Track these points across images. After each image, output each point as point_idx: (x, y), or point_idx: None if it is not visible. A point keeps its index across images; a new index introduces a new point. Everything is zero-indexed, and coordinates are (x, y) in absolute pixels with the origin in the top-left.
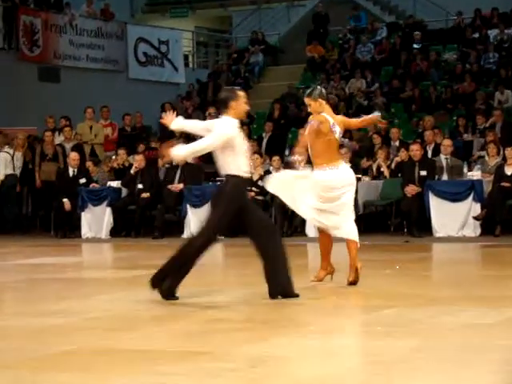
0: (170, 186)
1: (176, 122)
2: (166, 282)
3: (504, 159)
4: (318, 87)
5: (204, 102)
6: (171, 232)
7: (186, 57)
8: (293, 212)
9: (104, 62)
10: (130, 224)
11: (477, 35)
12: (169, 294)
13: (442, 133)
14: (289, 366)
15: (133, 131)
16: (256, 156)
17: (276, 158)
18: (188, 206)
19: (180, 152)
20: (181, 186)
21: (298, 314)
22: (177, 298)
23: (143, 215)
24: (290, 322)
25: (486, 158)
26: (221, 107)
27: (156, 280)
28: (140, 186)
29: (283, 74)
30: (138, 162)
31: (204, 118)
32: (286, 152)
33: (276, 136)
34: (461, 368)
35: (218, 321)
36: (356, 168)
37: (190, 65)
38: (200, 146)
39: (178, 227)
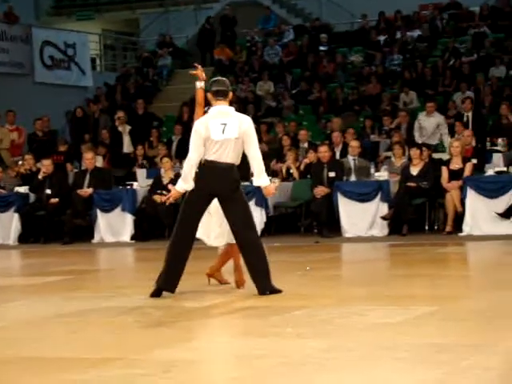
0: (79, 191)
1: (180, 186)
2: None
3: (409, 159)
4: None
5: (112, 105)
6: (81, 237)
7: (93, 60)
8: None
9: (9, 65)
10: (38, 230)
11: (382, 38)
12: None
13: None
14: (200, 370)
15: (44, 136)
16: (166, 159)
17: None
18: (98, 210)
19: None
20: (90, 190)
21: (209, 318)
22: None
23: (52, 221)
24: (200, 325)
25: (393, 158)
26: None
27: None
28: (48, 191)
29: (192, 76)
30: (45, 166)
31: (112, 122)
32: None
33: (186, 139)
34: (371, 367)
35: (129, 325)
36: (266, 170)
37: (98, 68)
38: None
39: (87, 232)
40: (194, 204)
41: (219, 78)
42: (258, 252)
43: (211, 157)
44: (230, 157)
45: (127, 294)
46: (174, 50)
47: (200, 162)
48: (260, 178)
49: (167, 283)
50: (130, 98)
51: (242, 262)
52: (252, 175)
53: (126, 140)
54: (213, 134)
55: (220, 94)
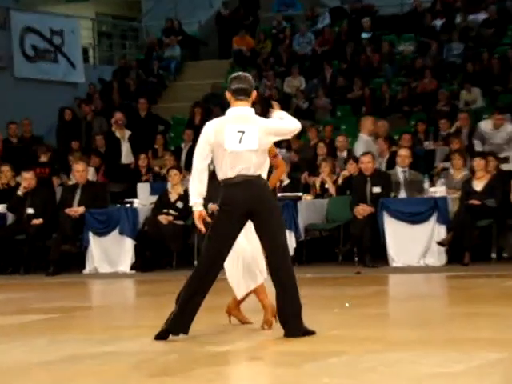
0: (67, 210)
1: (193, 201)
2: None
3: (472, 172)
4: None
5: (109, 105)
6: (70, 267)
7: (85, 51)
8: None
9: None
10: (17, 258)
11: (438, 22)
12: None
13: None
14: None
15: (20, 143)
16: (174, 171)
17: None
18: (90, 234)
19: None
20: (81, 209)
21: (228, 365)
22: None
23: (34, 246)
24: (218, 375)
25: (451, 170)
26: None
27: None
28: (30, 210)
29: (206, 70)
30: (27, 180)
31: (109, 126)
32: (211, 166)
33: None
34: None
35: (127, 375)
36: (295, 184)
37: (91, 60)
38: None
39: (78, 261)
40: (223, 228)
41: (240, 73)
42: (293, 287)
43: (225, 173)
44: (254, 169)
45: (126, 336)
46: (183, 38)
47: (221, 180)
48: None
49: (178, 324)
50: (130, 96)
51: (268, 299)
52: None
53: (125, 148)
54: (227, 143)
55: (241, 93)
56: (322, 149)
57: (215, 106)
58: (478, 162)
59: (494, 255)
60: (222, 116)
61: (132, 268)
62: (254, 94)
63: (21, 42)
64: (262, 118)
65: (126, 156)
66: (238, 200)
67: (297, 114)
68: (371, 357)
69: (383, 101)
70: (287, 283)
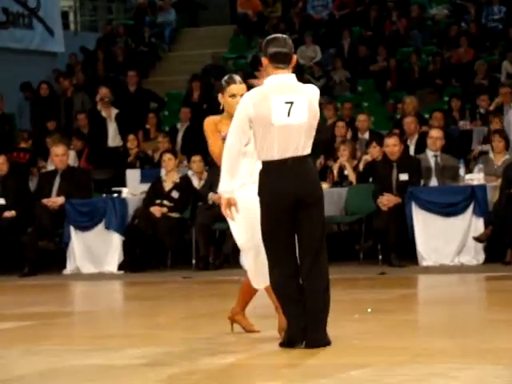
0: (44, 201)
1: (223, 189)
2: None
3: None
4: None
5: (92, 79)
6: (48, 267)
7: (65, 15)
8: (222, 235)
9: None
10: None
11: None
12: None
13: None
14: None
15: None
16: (168, 156)
17: (197, 159)
18: (72, 228)
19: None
20: (61, 200)
21: (230, 380)
22: None
23: (7, 243)
24: None
25: (491, 154)
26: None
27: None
28: (1, 200)
29: (205, 38)
30: None
31: (92, 103)
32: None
33: (196, 127)
34: None
35: None
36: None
37: (72, 26)
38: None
39: (57, 259)
40: (276, 221)
41: (278, 35)
42: (325, 290)
43: (275, 153)
44: (303, 148)
45: (113, 346)
46: (179, 0)
47: (264, 162)
48: None
49: (294, 335)
50: (118, 69)
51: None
52: None
53: (112, 129)
54: (275, 116)
55: (281, 59)
56: (340, 129)
57: (216, 80)
58: None
59: None
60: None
61: (120, 268)
62: (295, 59)
63: None
64: (309, 87)
65: (113, 138)
66: (287, 188)
67: None
68: (398, 370)
69: (412, 73)
70: (317, 286)
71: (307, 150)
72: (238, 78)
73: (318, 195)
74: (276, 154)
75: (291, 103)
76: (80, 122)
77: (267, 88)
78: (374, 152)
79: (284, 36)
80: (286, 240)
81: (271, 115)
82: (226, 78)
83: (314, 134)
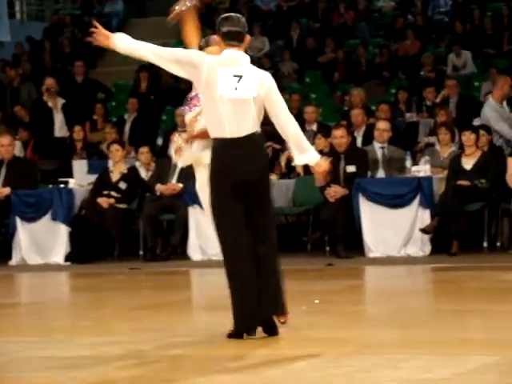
0: None
1: (121, 40)
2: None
3: (461, 148)
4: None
5: (39, 69)
6: None
7: (10, 4)
8: (169, 226)
9: None
10: None
11: None
12: None
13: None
14: None
15: None
16: (116, 147)
17: (144, 150)
18: (17, 219)
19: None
20: (6, 190)
21: (176, 372)
22: None
23: None
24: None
25: (437, 146)
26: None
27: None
28: None
29: (153, 28)
30: None
31: (38, 93)
32: (159, 141)
33: (144, 118)
34: None
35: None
36: None
37: (18, 16)
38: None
39: (3, 250)
40: (225, 202)
41: (231, 14)
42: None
43: (226, 128)
44: (251, 125)
45: (60, 338)
46: None
47: (215, 139)
48: (304, 151)
49: (245, 323)
50: (65, 59)
51: None
52: None
53: (59, 119)
54: (221, 88)
55: (233, 37)
56: None
57: (165, 71)
58: (468, 137)
59: (485, 244)
60: (172, 83)
61: (67, 259)
62: (248, 39)
63: None
64: (261, 70)
65: (60, 128)
66: (237, 166)
67: None
68: (345, 361)
69: (359, 65)
70: (271, 273)
71: (256, 127)
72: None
73: (266, 177)
74: (227, 132)
75: (240, 77)
76: (25, 112)
77: (219, 59)
78: (321, 143)
79: (238, 15)
80: (234, 226)
81: (217, 86)
82: (203, 40)
83: (262, 112)
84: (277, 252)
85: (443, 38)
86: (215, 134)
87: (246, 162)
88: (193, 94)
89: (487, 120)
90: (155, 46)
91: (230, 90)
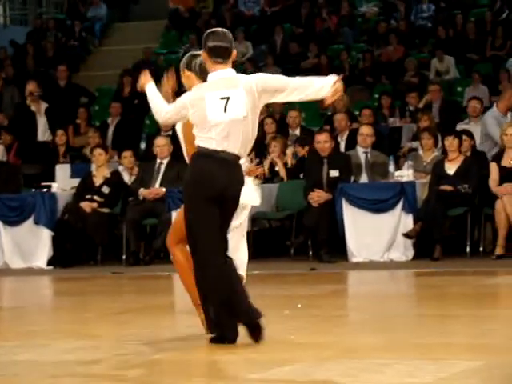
0: None
1: (151, 88)
2: None
3: (444, 153)
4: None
5: (22, 73)
6: None
7: None
8: (152, 231)
9: None
10: None
11: None
12: None
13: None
14: None
15: None
16: (99, 151)
17: (127, 154)
18: (0, 223)
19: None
20: None
21: (155, 376)
22: None
23: None
24: None
25: (420, 151)
26: None
27: None
28: None
29: (136, 33)
30: None
31: (21, 97)
32: (142, 145)
33: (127, 122)
34: None
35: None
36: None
37: (1, 20)
38: None
39: None
40: (202, 212)
41: (217, 28)
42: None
43: (211, 143)
44: (237, 146)
45: (43, 342)
46: None
47: (195, 152)
48: (322, 81)
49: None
50: (48, 63)
51: None
52: None
53: (42, 123)
54: (210, 114)
55: (219, 53)
56: (270, 126)
57: None
58: (451, 142)
59: (468, 249)
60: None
61: (49, 263)
62: (235, 53)
63: None
64: (248, 75)
65: (43, 133)
66: (217, 178)
67: None
68: (327, 365)
69: (342, 70)
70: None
71: (243, 153)
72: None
73: (236, 194)
74: (213, 146)
75: (227, 98)
76: (8, 116)
77: (206, 85)
78: (302, 149)
79: (224, 30)
80: (208, 234)
81: (206, 113)
82: (188, 54)
83: (255, 127)
84: None
85: (426, 43)
86: (202, 144)
87: (226, 175)
88: None
89: (485, 124)
90: (165, 104)
91: (219, 114)
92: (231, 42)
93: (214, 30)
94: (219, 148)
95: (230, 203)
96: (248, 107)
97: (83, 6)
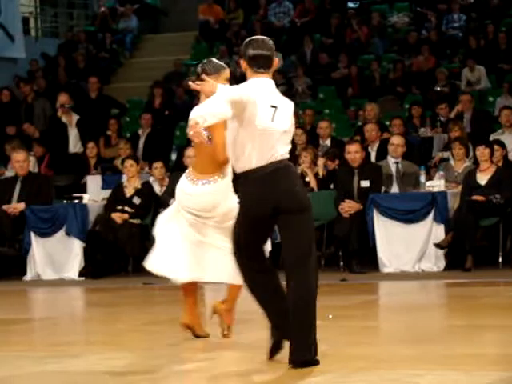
0: (4, 207)
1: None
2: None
3: (475, 163)
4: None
5: (53, 85)
6: (8, 273)
7: (25, 21)
8: None
9: None
10: None
11: None
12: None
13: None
14: None
15: None
16: (130, 162)
17: (158, 165)
18: (32, 234)
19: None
20: (21, 206)
21: None
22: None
23: None
24: None
25: (451, 161)
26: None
27: None
28: None
29: (167, 45)
30: None
31: (53, 109)
32: (173, 156)
33: (158, 133)
34: None
35: None
36: None
37: (32, 32)
38: None
39: (17, 266)
40: (252, 228)
41: (258, 36)
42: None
43: (254, 160)
44: (281, 155)
45: (74, 353)
46: (141, 6)
47: (242, 174)
48: None
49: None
50: (79, 75)
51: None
52: None
53: (73, 135)
54: (259, 119)
55: (261, 62)
56: (300, 137)
57: (178, 87)
58: (483, 152)
59: (500, 259)
60: (186, 98)
61: (81, 274)
62: (276, 61)
63: None
64: (286, 98)
65: (74, 144)
66: (266, 197)
67: None
68: (358, 377)
69: (373, 81)
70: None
71: (285, 155)
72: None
73: (300, 202)
74: (254, 163)
75: (276, 107)
76: (28, 130)
77: (256, 87)
78: (330, 165)
79: (264, 37)
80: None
81: (255, 117)
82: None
83: (290, 141)
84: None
85: (457, 53)
86: (241, 168)
87: (274, 189)
88: None
89: None
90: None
91: (267, 121)
92: (272, 49)
93: (253, 37)
94: (258, 164)
95: (293, 213)
96: (291, 122)
97: (114, 18)
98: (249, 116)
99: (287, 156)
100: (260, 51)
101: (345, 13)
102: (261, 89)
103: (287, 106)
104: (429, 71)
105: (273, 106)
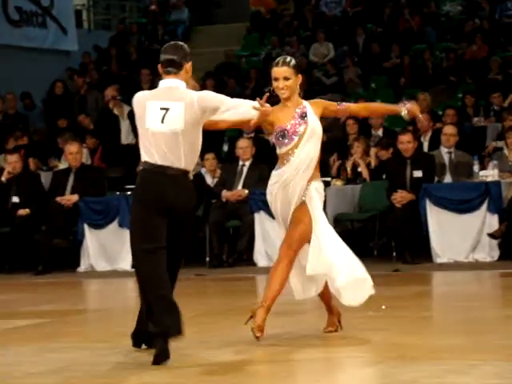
0: (58, 199)
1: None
2: None
3: None
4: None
5: (106, 77)
6: (62, 264)
7: (78, 14)
8: (235, 233)
9: None
10: (2, 254)
11: None
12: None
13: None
14: None
15: (4, 120)
16: None
17: (210, 156)
18: (85, 226)
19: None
20: (75, 197)
21: (249, 377)
22: None
23: (21, 241)
24: None
25: (505, 150)
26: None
27: None
28: (16, 198)
29: (218, 36)
30: (11, 164)
31: (103, 101)
32: (224, 147)
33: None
34: None
35: None
36: (323, 168)
37: (85, 25)
38: None
39: (71, 257)
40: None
41: (172, 42)
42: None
43: (152, 158)
44: (185, 161)
45: (127, 344)
46: None
47: (142, 167)
48: (249, 103)
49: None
50: (131, 67)
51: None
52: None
53: (125, 126)
54: (148, 122)
55: (169, 65)
56: (352, 127)
57: (230, 78)
58: None
59: None
60: (238, 89)
61: (134, 265)
62: (188, 66)
63: (3, 3)
64: (194, 92)
65: (126, 136)
66: (162, 194)
67: (323, 85)
68: (412, 367)
69: (425, 70)
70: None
71: (189, 165)
72: (286, 59)
73: (188, 208)
74: (157, 160)
75: (166, 110)
76: (83, 122)
77: (148, 92)
78: (383, 152)
79: (178, 43)
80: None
81: (145, 119)
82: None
83: (198, 143)
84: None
85: (511, 41)
86: (146, 158)
87: (172, 192)
88: (288, 126)
89: None
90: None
91: (157, 124)
92: (185, 55)
93: (167, 45)
94: (155, 160)
95: (181, 219)
96: (187, 121)
97: (165, 9)
98: (141, 117)
99: (190, 168)
100: (169, 56)
101: (397, 2)
102: (156, 93)
103: (181, 105)
104: (482, 60)
105: (163, 109)
